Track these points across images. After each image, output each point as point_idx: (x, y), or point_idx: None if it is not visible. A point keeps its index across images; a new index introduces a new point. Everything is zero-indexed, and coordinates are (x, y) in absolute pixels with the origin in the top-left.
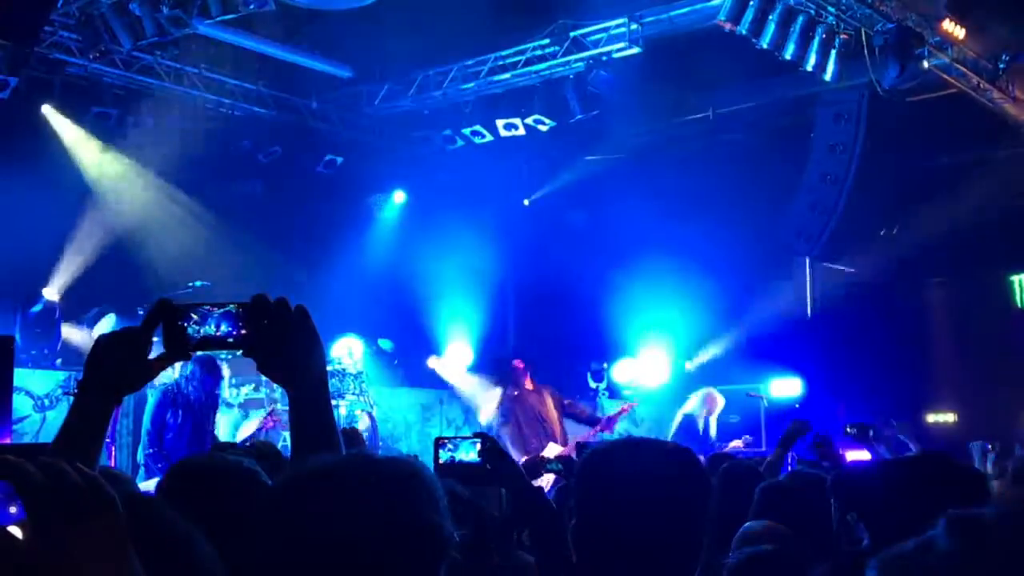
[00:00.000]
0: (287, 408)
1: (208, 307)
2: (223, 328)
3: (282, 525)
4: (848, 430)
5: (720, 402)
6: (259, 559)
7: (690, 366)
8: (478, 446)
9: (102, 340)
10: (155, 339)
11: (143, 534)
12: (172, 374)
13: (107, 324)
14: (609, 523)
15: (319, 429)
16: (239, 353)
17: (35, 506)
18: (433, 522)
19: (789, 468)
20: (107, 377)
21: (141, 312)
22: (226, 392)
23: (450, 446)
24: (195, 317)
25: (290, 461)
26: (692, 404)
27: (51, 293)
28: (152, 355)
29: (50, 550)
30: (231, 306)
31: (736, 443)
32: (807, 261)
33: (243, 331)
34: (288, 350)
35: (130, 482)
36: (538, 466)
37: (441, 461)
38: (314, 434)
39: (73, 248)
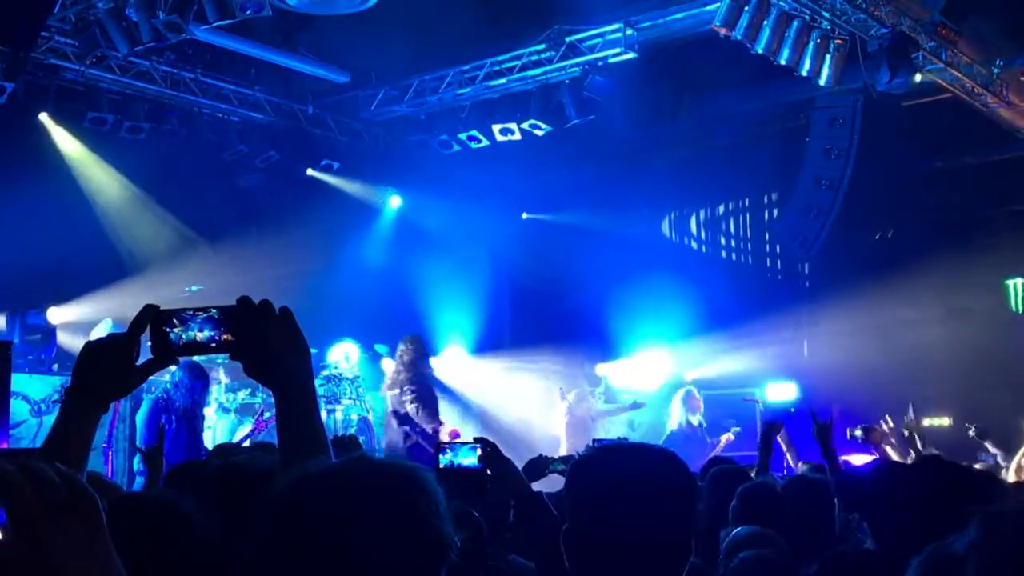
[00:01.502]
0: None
1: (191, 312)
2: (205, 333)
3: (285, 528)
4: (853, 434)
5: (699, 399)
6: (264, 561)
7: (690, 376)
8: (478, 451)
9: (89, 346)
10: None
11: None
12: (166, 380)
13: (103, 329)
14: (598, 527)
15: (306, 430)
16: (227, 357)
17: (14, 506)
18: (435, 526)
19: (785, 472)
20: (94, 382)
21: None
22: (222, 397)
23: (450, 451)
24: (177, 322)
25: (279, 463)
26: (676, 412)
27: (54, 316)
28: (140, 360)
29: (29, 550)
30: (213, 310)
31: (727, 436)
32: (802, 264)
33: (225, 335)
34: (272, 352)
35: (118, 489)
36: (542, 467)
37: (441, 466)
38: (301, 435)
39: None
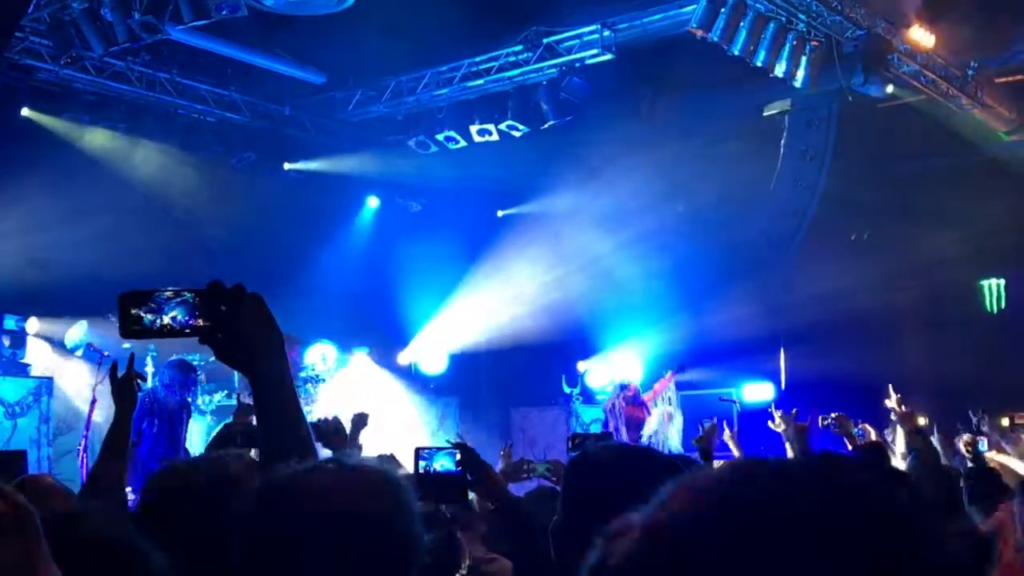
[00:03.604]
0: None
1: (165, 295)
2: (180, 316)
3: (254, 533)
4: (825, 422)
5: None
6: (234, 567)
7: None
8: (457, 455)
9: None
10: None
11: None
12: (148, 382)
13: (79, 331)
14: (589, 522)
15: (284, 416)
16: (209, 358)
17: None
18: (404, 528)
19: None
20: None
21: (112, 319)
22: (198, 400)
23: (428, 456)
24: (153, 305)
25: (260, 450)
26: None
27: (32, 327)
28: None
29: None
30: (187, 294)
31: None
32: (778, 266)
33: (199, 319)
34: (246, 336)
35: (68, 496)
36: (521, 470)
37: (420, 471)
38: (278, 423)
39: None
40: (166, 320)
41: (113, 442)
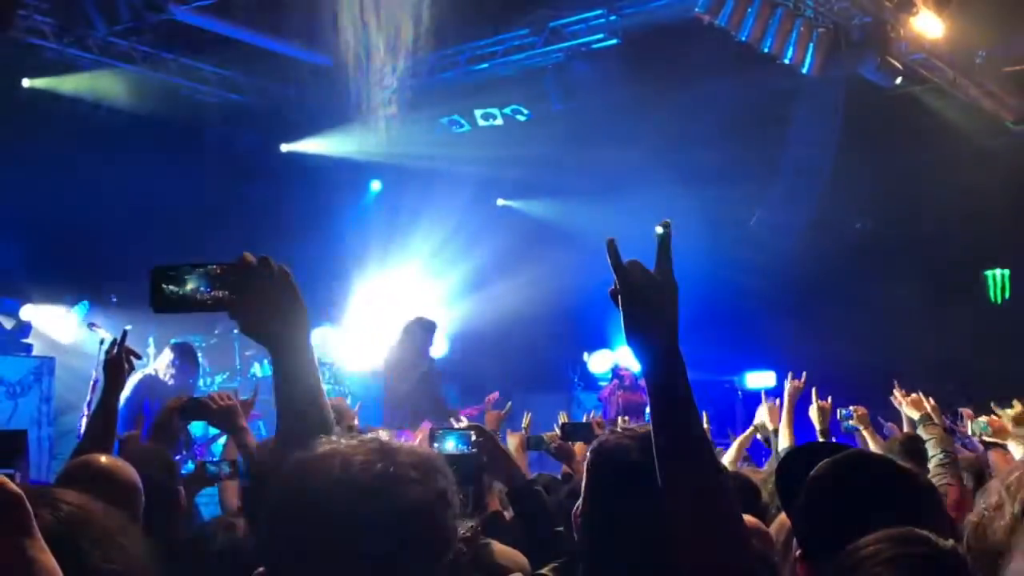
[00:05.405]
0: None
1: (190, 267)
2: (202, 289)
3: (285, 517)
4: (846, 421)
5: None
6: (265, 543)
7: None
8: (472, 437)
9: None
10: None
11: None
12: (149, 364)
13: (78, 312)
14: (619, 513)
15: (305, 394)
16: (207, 339)
17: None
18: (437, 512)
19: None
20: None
21: (115, 299)
22: (200, 382)
23: (443, 437)
24: (175, 276)
25: (277, 430)
26: None
27: (26, 313)
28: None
29: None
30: (212, 266)
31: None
32: (783, 252)
33: (223, 291)
34: (271, 311)
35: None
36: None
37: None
38: (300, 399)
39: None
40: (188, 293)
41: (97, 417)
